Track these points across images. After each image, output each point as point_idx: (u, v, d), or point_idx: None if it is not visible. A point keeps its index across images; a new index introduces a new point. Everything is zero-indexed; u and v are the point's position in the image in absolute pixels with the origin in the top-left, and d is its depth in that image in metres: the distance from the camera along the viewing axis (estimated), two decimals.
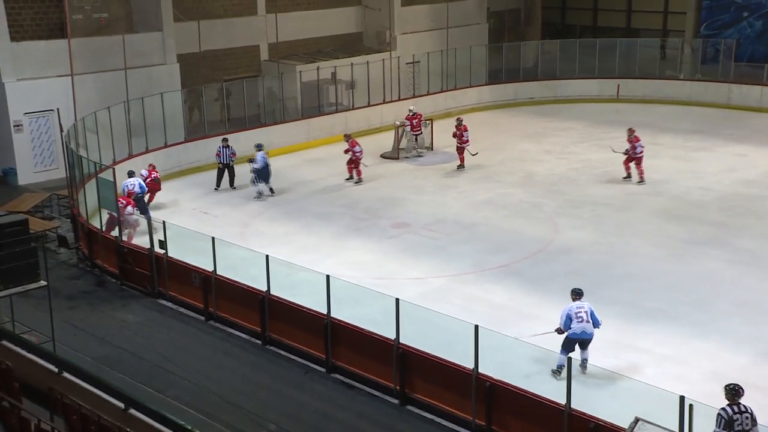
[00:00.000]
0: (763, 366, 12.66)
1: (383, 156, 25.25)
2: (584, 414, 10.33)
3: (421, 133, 25.27)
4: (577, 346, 12.00)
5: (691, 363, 12.87)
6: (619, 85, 31.73)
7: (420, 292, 15.33)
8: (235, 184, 22.13)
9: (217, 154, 22.18)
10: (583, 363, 12.04)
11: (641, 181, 21.69)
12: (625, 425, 9.54)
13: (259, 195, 21.22)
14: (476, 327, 11.14)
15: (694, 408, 9.28)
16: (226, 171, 22.03)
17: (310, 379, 12.90)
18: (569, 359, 10.64)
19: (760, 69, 30.85)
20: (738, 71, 31.25)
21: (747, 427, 8.98)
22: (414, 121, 24.99)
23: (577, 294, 12.26)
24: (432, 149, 25.54)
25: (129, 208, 17.54)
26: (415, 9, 33.15)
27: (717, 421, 9.15)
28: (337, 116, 27.81)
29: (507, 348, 12.03)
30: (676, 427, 9.44)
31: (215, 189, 22.08)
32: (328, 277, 12.92)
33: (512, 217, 19.79)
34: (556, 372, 11.95)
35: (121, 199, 17.47)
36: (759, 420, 9.35)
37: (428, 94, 30.26)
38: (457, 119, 24.00)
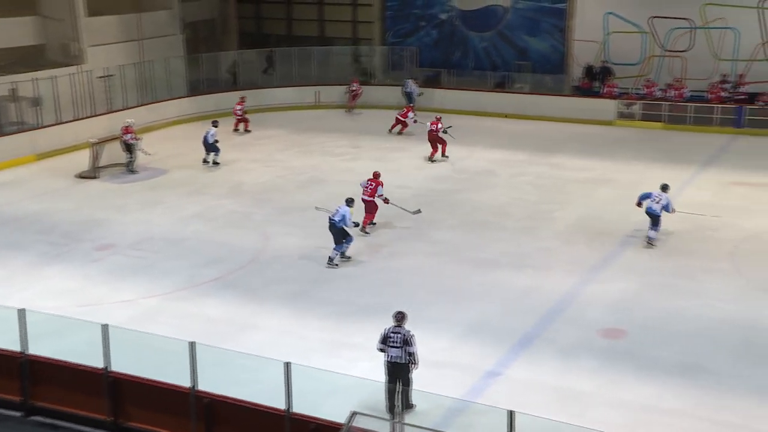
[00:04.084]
0: (459, 348, 13.69)
1: (80, 176, 23.64)
2: (305, 416, 10.46)
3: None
4: (650, 223, 17.57)
5: None
6: (318, 92, 32.81)
7: (131, 315, 14.57)
8: None
9: None
10: (649, 239, 17.55)
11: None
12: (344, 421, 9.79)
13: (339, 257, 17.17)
14: (192, 344, 10.81)
15: None
16: None
17: (4, 428, 11.65)
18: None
19: (438, 74, 33.75)
20: (423, 76, 33.87)
21: (397, 344, 11.30)
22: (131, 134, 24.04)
23: (662, 187, 17.66)
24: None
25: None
26: (104, 20, 31.33)
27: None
28: (22, 136, 25.57)
29: (226, 362, 11.81)
30: (387, 415, 9.94)
31: None
32: (21, 310, 11.78)
33: (223, 228, 19.55)
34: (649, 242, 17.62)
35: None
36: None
37: (126, 108, 28.82)
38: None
